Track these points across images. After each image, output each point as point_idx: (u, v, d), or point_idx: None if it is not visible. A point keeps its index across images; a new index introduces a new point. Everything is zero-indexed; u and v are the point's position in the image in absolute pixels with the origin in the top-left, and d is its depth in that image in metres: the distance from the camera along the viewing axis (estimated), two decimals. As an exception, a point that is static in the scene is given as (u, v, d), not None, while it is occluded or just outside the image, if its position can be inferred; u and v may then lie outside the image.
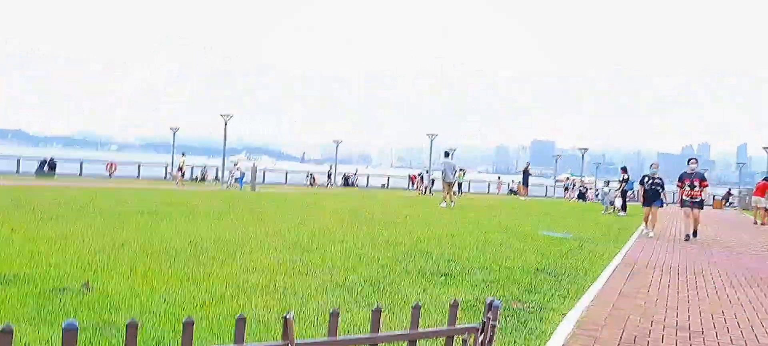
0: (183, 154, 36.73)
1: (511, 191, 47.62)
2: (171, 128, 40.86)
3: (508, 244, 11.27)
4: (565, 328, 5.56)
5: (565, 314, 6.07)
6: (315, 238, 10.60)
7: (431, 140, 38.33)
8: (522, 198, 34.72)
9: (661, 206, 15.33)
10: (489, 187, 58.72)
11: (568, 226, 16.30)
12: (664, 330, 5.79)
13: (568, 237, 13.13)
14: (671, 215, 21.84)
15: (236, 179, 31.44)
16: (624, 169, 24.22)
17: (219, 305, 5.57)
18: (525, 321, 5.68)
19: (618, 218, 21.32)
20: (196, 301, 5.68)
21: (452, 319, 3.17)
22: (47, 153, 64.69)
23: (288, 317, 2.39)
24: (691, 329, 5.91)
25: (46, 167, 38.15)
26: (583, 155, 53.64)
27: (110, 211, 13.85)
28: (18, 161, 42.29)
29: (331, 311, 2.42)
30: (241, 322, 2.16)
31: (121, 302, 5.47)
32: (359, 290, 6.60)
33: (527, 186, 36.93)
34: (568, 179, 60.64)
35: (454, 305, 3.18)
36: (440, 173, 22.57)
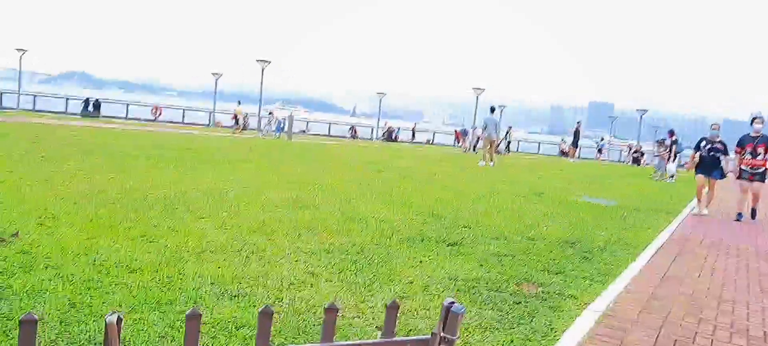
0: (239, 103, 36.32)
1: (562, 152, 45.47)
2: (213, 74, 40.38)
3: (539, 210, 9.99)
4: (582, 324, 4.37)
5: (587, 304, 4.87)
6: (320, 192, 9.59)
7: (477, 96, 36.59)
8: (570, 160, 32.90)
9: (721, 178, 12.12)
10: (539, 147, 56.60)
11: (614, 192, 14.78)
12: (714, 333, 4.52)
13: (611, 205, 11.71)
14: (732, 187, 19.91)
15: (275, 129, 30.90)
16: (671, 133, 22.42)
17: (157, 270, 4.61)
18: (533, 312, 4.51)
19: (669, 184, 19.58)
20: (134, 263, 4.73)
21: (389, 327, 2.09)
22: (108, 95, 65.89)
23: (109, 320, 1.52)
24: (750, 333, 4.62)
25: (90, 107, 38.44)
26: (641, 117, 50.71)
27: (119, 152, 13.20)
28: (66, 101, 42.83)
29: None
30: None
31: (42, 258, 4.58)
32: (341, 258, 5.54)
33: (577, 147, 34.90)
34: (602, 139, 57.50)
35: (393, 307, 2.11)
36: (484, 130, 21.15)
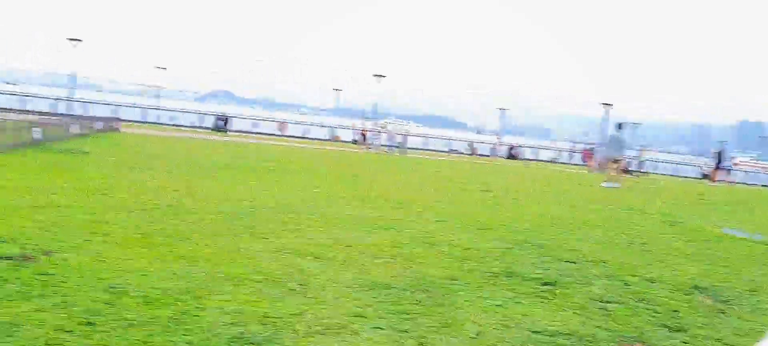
0: (364, 119, 36.72)
1: (704, 175, 41.32)
2: (335, 89, 40.98)
3: (667, 242, 8.43)
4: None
5: (718, 382, 3.57)
6: (408, 212, 8.71)
7: (606, 111, 34.03)
8: (713, 184, 29.51)
9: None
10: (678, 169, 52.04)
11: (764, 224, 12.58)
12: None
13: (758, 240, 9.77)
14: None
15: (386, 144, 30.59)
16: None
17: (176, 302, 3.96)
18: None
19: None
20: (155, 291, 4.13)
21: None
22: (246, 112, 70.07)
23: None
24: None
25: (219, 123, 40.52)
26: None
27: (212, 165, 13.16)
28: (201, 117, 45.60)
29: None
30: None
31: (56, 281, 4.09)
32: (401, 296, 4.63)
33: (721, 169, 31.33)
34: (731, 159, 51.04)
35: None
36: (607, 148, 19.31)
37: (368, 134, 36.06)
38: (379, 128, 33.05)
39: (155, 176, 10.12)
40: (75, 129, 16.60)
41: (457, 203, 10.42)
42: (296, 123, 49.72)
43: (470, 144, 46.53)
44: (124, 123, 36.78)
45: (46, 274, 4.24)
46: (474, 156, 43.41)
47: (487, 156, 46.26)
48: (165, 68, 41.69)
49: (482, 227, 8.15)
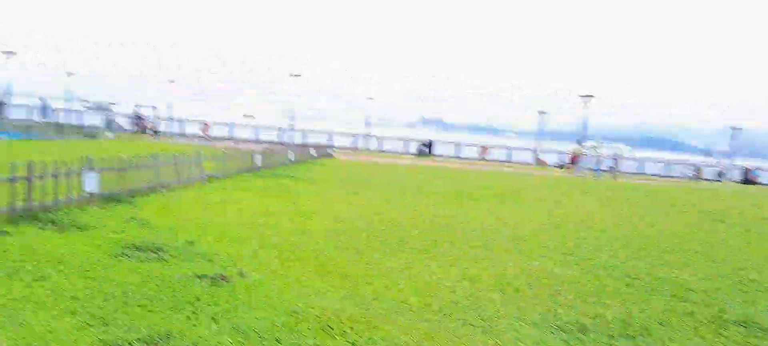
0: (578, 142, 35.20)
1: None
2: (539, 112, 39.80)
3: None
4: None
5: None
6: (602, 243, 7.86)
7: None
8: None
9: None
10: None
11: None
12: None
13: None
14: None
15: (591, 168, 28.66)
16: None
17: (349, 332, 3.90)
18: None
19: None
20: (334, 318, 4.12)
21: None
22: (454, 137, 71.72)
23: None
24: None
25: (423, 149, 41.53)
26: None
27: (399, 187, 13.27)
28: (405, 143, 47.30)
29: None
30: None
31: (244, 301, 4.28)
32: (565, 341, 4.08)
33: None
34: None
35: None
36: None
37: (580, 158, 34.05)
38: (585, 151, 31.10)
39: (363, 199, 10.50)
40: (292, 157, 18.17)
41: (671, 236, 9.23)
42: (499, 147, 49.10)
43: (696, 168, 41.82)
44: (336, 149, 39.58)
45: (236, 295, 4.48)
46: (699, 180, 38.96)
47: (717, 180, 41.23)
48: (372, 98, 43.88)
49: (713, 260, 7.06)
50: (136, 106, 46.45)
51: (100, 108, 63.66)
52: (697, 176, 40.22)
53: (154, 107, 48.47)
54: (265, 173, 14.35)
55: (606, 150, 33.34)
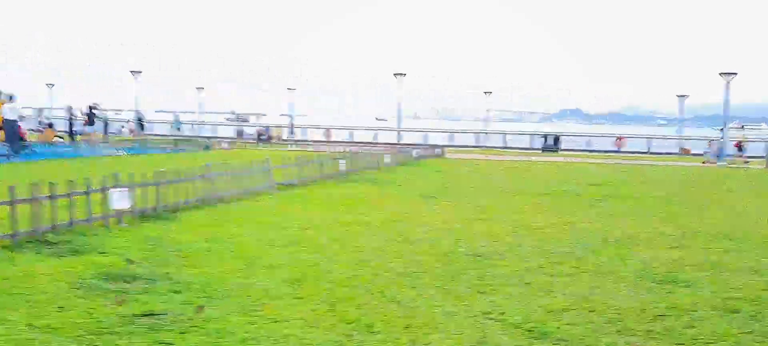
0: (721, 129, 31.35)
1: None
2: (678, 96, 35.80)
3: None
4: None
5: None
6: (712, 259, 6.17)
7: None
8: None
9: None
10: None
11: None
12: None
13: None
14: None
15: (715, 155, 25.32)
16: None
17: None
18: None
19: None
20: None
21: None
22: (597, 129, 67.51)
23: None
24: None
25: (549, 141, 39.12)
26: None
27: (507, 190, 11.89)
28: (530, 138, 44.90)
29: None
30: None
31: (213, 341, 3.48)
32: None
33: None
34: None
35: None
36: None
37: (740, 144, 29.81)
38: (719, 138, 27.28)
39: (440, 208, 9.46)
40: (387, 159, 17.42)
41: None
42: (639, 137, 45.12)
43: None
44: (452, 149, 38.40)
45: (197, 328, 3.70)
46: None
47: None
48: (491, 92, 42.18)
49: None
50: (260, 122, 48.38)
51: (239, 119, 67.67)
52: None
53: (290, 116, 50.36)
54: (351, 178, 13.71)
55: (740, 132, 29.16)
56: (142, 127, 39.65)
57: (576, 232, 7.47)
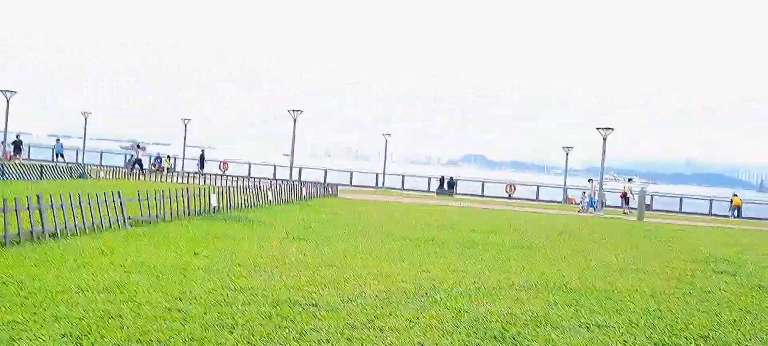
0: (590, 180, 33.05)
1: None
2: (564, 148, 37.50)
3: None
4: None
5: None
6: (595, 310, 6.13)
7: None
8: None
9: None
10: None
11: None
12: None
13: None
14: None
15: (587, 205, 27.17)
16: None
17: None
18: None
19: None
20: None
21: None
22: (503, 176, 69.61)
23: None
24: None
25: (445, 186, 39.80)
26: None
27: (383, 234, 11.68)
28: (429, 181, 45.59)
29: None
30: None
31: None
32: None
33: None
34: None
35: None
36: None
37: (627, 196, 31.78)
38: (593, 187, 29.08)
39: (298, 251, 9.04)
40: (271, 196, 16.83)
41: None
42: (529, 184, 46.94)
43: (733, 205, 38.72)
44: (350, 188, 38.24)
45: None
46: (737, 219, 36.00)
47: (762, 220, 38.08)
48: (390, 134, 42.57)
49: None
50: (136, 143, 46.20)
51: (134, 147, 64.36)
52: (737, 215, 37.12)
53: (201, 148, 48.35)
54: (223, 215, 13.05)
55: (621, 184, 31.22)
56: (19, 150, 36.77)
57: (428, 280, 7.28)
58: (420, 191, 43.98)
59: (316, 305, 5.71)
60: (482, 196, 43.13)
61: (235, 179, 31.36)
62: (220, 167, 43.20)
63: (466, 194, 42.35)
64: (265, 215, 14.07)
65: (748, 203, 44.45)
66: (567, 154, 37.46)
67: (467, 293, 6.70)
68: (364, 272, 7.57)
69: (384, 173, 44.73)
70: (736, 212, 38.20)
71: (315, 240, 10.36)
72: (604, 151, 27.33)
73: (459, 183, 46.27)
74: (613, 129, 27.15)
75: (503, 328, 5.37)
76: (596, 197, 27.76)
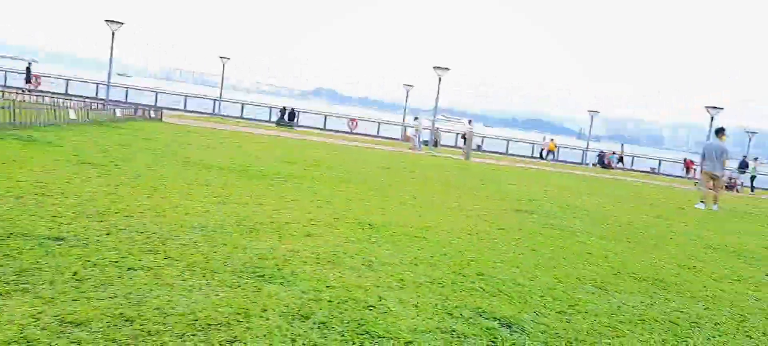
0: (416, 118, 33.77)
1: None
2: (405, 85, 38.16)
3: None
4: None
5: None
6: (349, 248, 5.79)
7: (712, 117, 28.87)
8: None
9: None
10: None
11: None
12: None
13: None
14: None
15: (418, 142, 28.67)
16: None
17: None
18: None
19: None
20: None
21: None
22: (349, 111, 68.95)
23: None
24: None
25: (286, 117, 38.84)
26: None
27: (206, 164, 10.75)
28: (269, 111, 44.32)
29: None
30: None
31: None
32: None
33: None
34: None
35: None
36: (701, 157, 15.38)
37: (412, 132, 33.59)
38: (418, 125, 30.43)
39: (104, 182, 7.86)
40: (73, 115, 14.92)
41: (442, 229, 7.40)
42: (371, 121, 47.37)
43: (542, 150, 42.10)
44: (180, 113, 35.96)
45: None
46: (552, 162, 39.30)
47: (578, 164, 41.94)
48: (229, 58, 40.52)
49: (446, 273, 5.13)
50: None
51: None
52: (542, 157, 40.55)
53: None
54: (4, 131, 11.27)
55: (426, 123, 32.90)
56: None
57: (216, 214, 6.60)
58: (261, 120, 42.65)
59: (63, 240, 4.83)
60: (324, 129, 42.85)
61: (43, 95, 27.91)
62: (30, 82, 38.39)
63: (308, 127, 41.77)
64: (63, 135, 12.43)
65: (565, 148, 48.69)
66: (408, 92, 38.03)
67: (253, 228, 6.15)
68: (147, 203, 6.71)
69: (220, 100, 42.62)
70: (551, 155, 41.57)
71: (105, 165, 9.19)
72: (438, 91, 28.01)
73: (302, 115, 45.59)
74: (449, 68, 27.77)
75: (278, 266, 4.90)
76: (425, 135, 28.71)
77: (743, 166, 31.85)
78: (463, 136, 34.25)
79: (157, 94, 41.66)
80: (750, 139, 40.04)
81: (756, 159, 32.27)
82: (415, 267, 5.38)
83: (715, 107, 28.92)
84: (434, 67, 27.88)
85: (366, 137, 39.04)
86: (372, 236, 6.41)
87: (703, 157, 15.04)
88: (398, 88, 36.28)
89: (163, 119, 24.10)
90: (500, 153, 43.27)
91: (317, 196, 8.84)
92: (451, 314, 4.23)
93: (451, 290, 4.80)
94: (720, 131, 15.35)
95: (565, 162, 42.94)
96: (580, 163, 42.48)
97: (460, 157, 26.49)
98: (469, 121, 35.83)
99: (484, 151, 40.06)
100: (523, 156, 41.22)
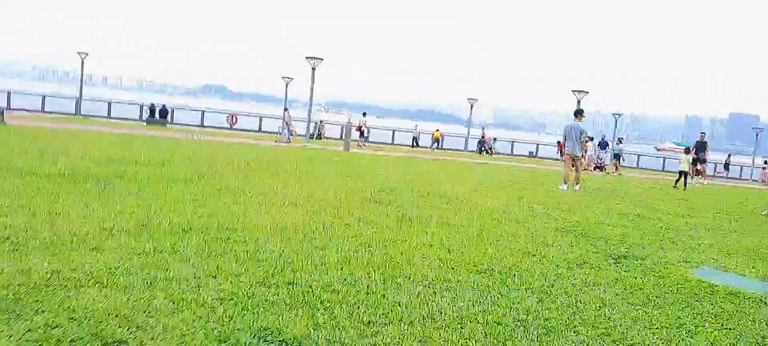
0: (285, 109, 32.69)
1: (681, 173, 35.79)
2: (284, 78, 36.99)
3: (613, 304, 4.71)
4: None
5: None
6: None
7: (578, 100, 30.15)
8: (700, 182, 25.82)
9: None
10: (665, 164, 48.64)
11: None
12: None
13: (758, 292, 5.95)
14: None
15: (287, 135, 28.25)
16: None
17: None
18: None
19: None
20: None
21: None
22: (239, 107, 66.17)
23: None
24: None
25: (156, 114, 36.54)
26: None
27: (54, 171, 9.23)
28: (140, 107, 41.55)
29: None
30: None
31: None
32: None
33: (703, 163, 25.52)
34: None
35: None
36: (563, 139, 15.64)
37: (298, 126, 33.09)
38: (286, 117, 30.01)
39: None
40: None
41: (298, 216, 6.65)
42: (245, 115, 45.68)
43: (414, 138, 42.84)
44: (37, 115, 32.82)
45: None
46: (416, 148, 39.98)
47: (460, 151, 42.70)
48: (87, 53, 37.60)
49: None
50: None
51: None
52: (416, 145, 41.25)
53: None
54: None
55: (332, 116, 32.55)
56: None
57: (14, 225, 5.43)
58: (133, 119, 39.91)
59: None
60: (202, 126, 40.83)
61: None
62: None
63: (183, 124, 39.54)
64: None
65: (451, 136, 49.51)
66: (287, 85, 36.92)
67: (61, 242, 5.08)
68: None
69: (80, 99, 39.37)
70: (435, 143, 42.12)
71: None
72: (313, 81, 27.17)
73: (177, 112, 43.23)
74: (322, 59, 27.02)
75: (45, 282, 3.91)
76: (301, 127, 28.00)
77: (603, 145, 33.59)
78: (359, 129, 33.96)
79: (9, 93, 37.72)
80: (616, 121, 42.50)
81: (621, 139, 34.07)
82: (212, 280, 4.56)
83: (580, 91, 30.18)
84: (307, 58, 26.99)
85: (247, 133, 37.56)
86: (176, 245, 5.50)
87: (565, 139, 15.28)
88: (291, 82, 35.12)
89: (6, 121, 21.62)
90: (387, 143, 43.25)
91: (161, 197, 7.76)
92: (224, 342, 3.45)
93: (241, 307, 4.03)
94: (578, 113, 15.67)
95: (449, 149, 43.61)
96: (463, 150, 43.25)
97: (340, 149, 25.89)
98: (364, 114, 35.50)
99: (373, 142, 39.83)
100: (406, 145, 41.42)
